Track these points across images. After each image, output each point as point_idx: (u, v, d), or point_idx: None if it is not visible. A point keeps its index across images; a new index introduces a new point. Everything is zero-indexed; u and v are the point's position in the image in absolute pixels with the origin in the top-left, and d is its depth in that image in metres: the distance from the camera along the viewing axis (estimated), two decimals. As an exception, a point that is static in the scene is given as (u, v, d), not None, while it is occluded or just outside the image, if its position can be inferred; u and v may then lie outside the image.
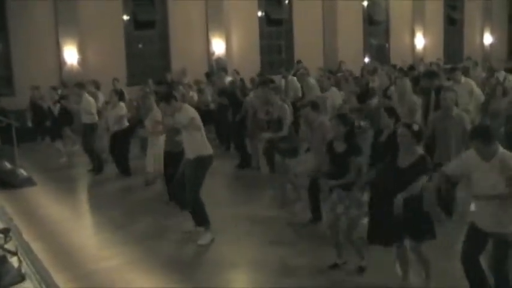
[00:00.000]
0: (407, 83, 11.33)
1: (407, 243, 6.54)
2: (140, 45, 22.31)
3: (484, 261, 5.93)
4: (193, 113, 8.77)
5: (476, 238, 5.86)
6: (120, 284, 7.32)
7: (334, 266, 7.41)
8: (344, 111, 9.83)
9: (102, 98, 15.98)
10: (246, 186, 12.24)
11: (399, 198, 6.12)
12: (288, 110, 10.61)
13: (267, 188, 11.68)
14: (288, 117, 10.48)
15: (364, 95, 9.69)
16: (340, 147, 7.20)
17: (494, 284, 5.87)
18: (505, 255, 5.71)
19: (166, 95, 9.03)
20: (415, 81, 14.36)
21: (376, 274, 7.17)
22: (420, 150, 6.46)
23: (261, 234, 9.02)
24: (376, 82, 15.16)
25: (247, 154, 13.64)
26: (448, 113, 8.63)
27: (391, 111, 7.99)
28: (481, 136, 5.61)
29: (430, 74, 11.57)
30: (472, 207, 6.16)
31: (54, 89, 15.92)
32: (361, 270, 7.25)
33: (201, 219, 8.74)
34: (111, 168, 13.66)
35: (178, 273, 7.61)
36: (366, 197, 7.26)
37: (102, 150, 14.34)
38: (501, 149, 5.65)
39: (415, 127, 6.40)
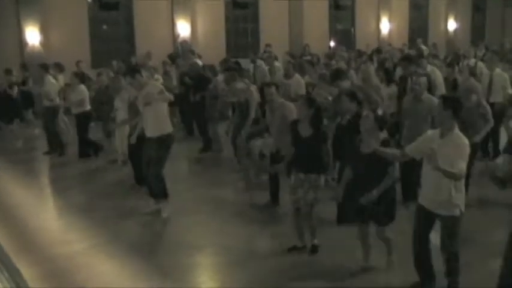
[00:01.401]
0: (371, 67, 11.32)
1: (371, 226, 6.65)
2: (104, 27, 22.00)
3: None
4: (160, 87, 8.87)
5: (423, 218, 6.02)
6: (83, 268, 7.22)
7: (293, 249, 7.43)
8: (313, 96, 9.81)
9: (62, 81, 15.72)
10: (208, 170, 12.17)
11: (374, 194, 6.23)
12: (254, 92, 10.56)
13: (229, 171, 11.66)
14: (255, 100, 10.43)
15: (334, 75, 9.61)
16: (306, 131, 7.12)
17: (444, 264, 6.07)
18: (451, 236, 5.88)
19: (131, 70, 9.02)
20: (381, 65, 14.44)
21: (338, 255, 7.25)
22: (383, 135, 6.49)
23: (225, 217, 9.02)
24: (334, 66, 15.13)
25: (209, 138, 13.61)
26: (419, 97, 8.72)
27: (353, 96, 7.90)
28: (452, 107, 5.71)
29: (406, 60, 11.54)
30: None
31: (8, 72, 15.59)
32: (314, 249, 7.29)
33: (159, 192, 8.85)
34: (73, 151, 13.46)
35: (142, 257, 7.54)
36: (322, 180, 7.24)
37: (62, 132, 14.11)
38: (457, 130, 5.76)
39: (379, 112, 6.44)
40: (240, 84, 11.06)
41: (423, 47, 21.62)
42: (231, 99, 11.89)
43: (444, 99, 5.94)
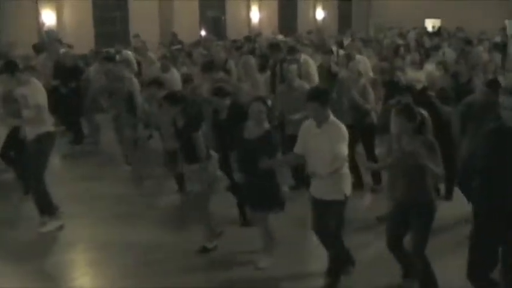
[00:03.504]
0: (251, 59, 11.32)
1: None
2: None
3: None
4: (42, 97, 7.85)
5: (316, 207, 6.16)
6: None
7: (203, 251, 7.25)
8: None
9: None
10: (86, 163, 11.80)
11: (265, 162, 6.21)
12: (137, 83, 10.37)
13: (106, 164, 11.45)
14: (138, 91, 10.23)
15: (206, 67, 9.64)
16: (180, 121, 7.14)
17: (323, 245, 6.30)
18: (335, 219, 6.06)
19: (10, 65, 7.84)
20: (251, 53, 14.52)
21: (226, 245, 7.28)
22: (267, 124, 6.58)
23: (104, 211, 8.81)
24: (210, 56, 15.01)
25: (80, 130, 13.19)
26: (292, 84, 8.77)
27: (224, 93, 7.66)
28: (318, 98, 5.85)
29: (273, 48, 11.66)
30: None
31: None
32: (205, 250, 7.17)
33: (45, 206, 8.09)
34: None
35: (14, 256, 7.25)
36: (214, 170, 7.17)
37: None
38: (332, 117, 5.93)
39: (269, 103, 6.57)
40: (126, 74, 10.73)
41: (280, 37, 22.18)
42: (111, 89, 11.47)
43: (308, 93, 6.12)
